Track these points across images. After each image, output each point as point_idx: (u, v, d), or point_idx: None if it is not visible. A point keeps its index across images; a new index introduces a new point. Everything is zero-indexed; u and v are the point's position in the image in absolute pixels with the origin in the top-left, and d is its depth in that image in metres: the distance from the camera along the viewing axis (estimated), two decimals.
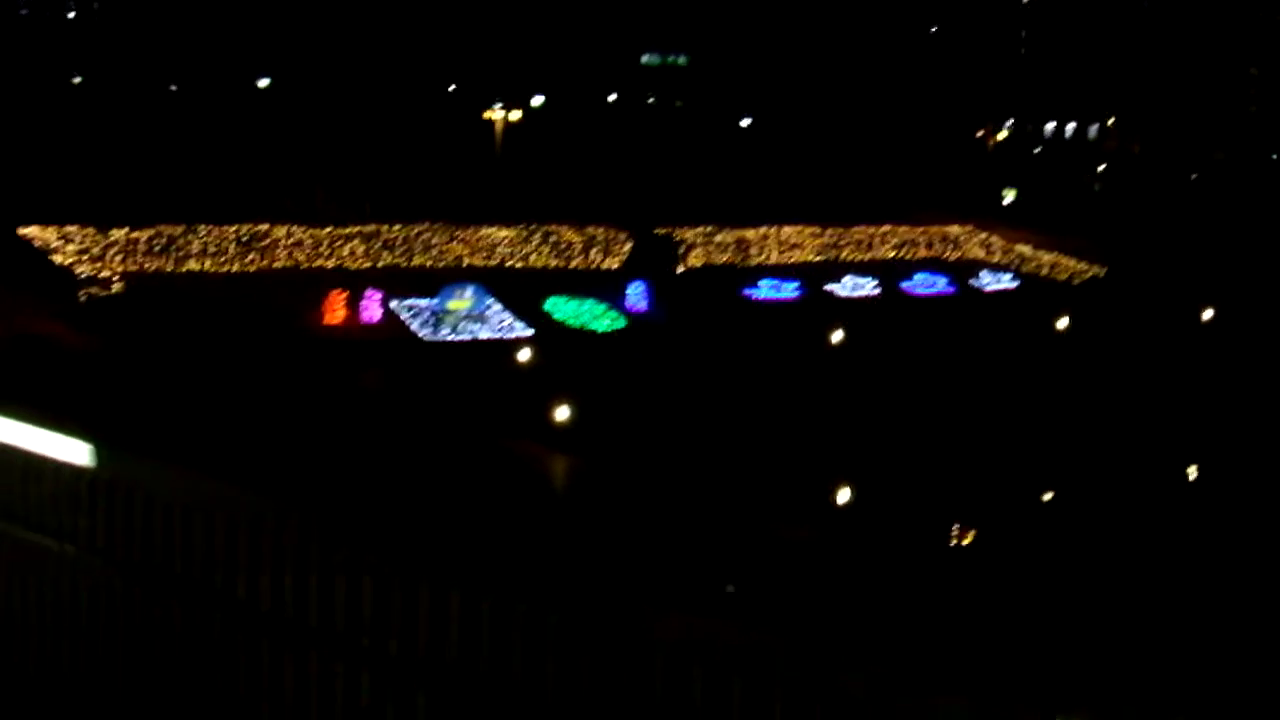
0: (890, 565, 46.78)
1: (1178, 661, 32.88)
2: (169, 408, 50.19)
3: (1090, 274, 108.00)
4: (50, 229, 76.02)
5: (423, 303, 78.82)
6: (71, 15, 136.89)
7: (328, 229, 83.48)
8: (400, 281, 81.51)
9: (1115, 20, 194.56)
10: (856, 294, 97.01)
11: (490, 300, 79.69)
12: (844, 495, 52.29)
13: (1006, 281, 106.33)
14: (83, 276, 71.06)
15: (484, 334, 77.91)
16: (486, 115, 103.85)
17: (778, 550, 46.97)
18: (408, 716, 15.35)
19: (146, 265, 77.59)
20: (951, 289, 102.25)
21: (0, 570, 11.89)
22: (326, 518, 9.83)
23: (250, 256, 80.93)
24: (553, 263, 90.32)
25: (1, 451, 11.39)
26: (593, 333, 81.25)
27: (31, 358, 58.13)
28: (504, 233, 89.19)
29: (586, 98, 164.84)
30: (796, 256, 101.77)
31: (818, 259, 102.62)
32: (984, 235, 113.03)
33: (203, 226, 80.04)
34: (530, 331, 78.44)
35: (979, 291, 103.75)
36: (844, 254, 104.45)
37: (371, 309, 76.63)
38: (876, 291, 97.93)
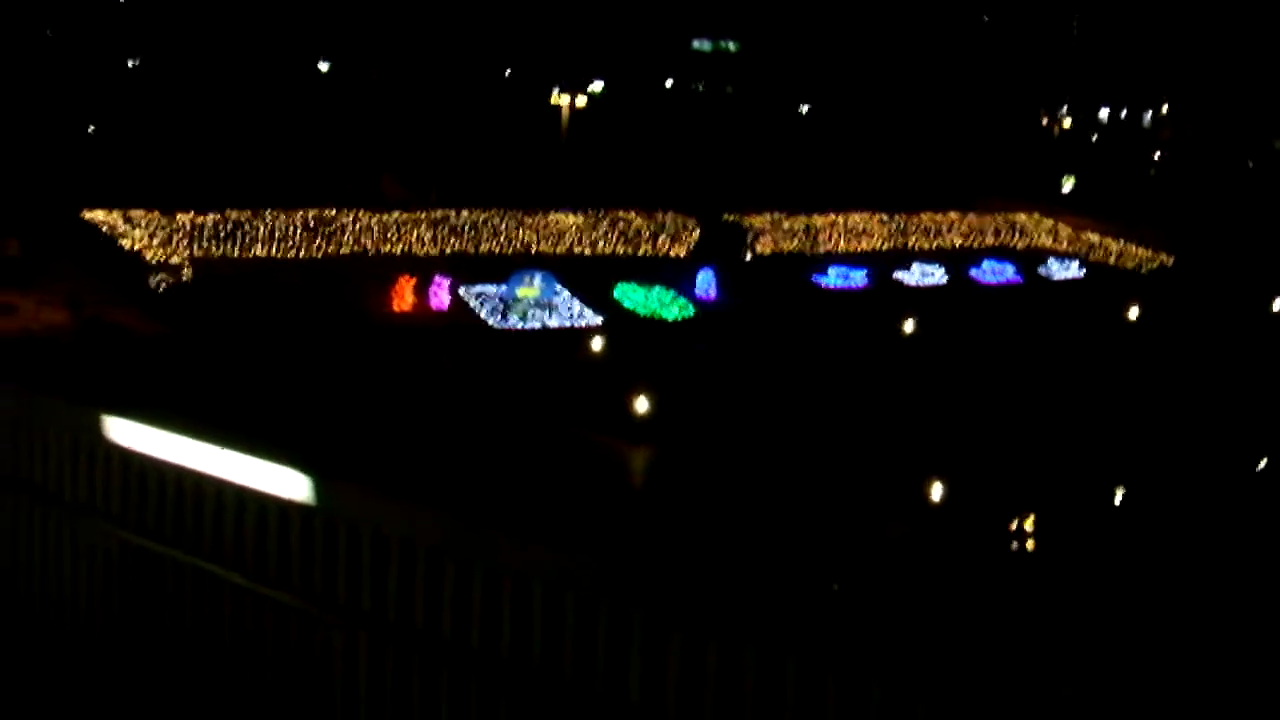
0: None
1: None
2: (265, 407, 49.53)
3: (1158, 262, 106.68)
4: (115, 213, 75.07)
5: (491, 289, 77.86)
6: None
7: (395, 214, 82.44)
8: (468, 267, 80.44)
9: (1167, 5, 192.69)
10: (925, 282, 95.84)
11: (559, 288, 78.68)
12: (937, 491, 51.06)
13: (1074, 270, 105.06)
14: (153, 262, 70.06)
15: (553, 322, 76.89)
16: (553, 100, 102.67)
17: (880, 549, 46.09)
18: None
19: (212, 250, 76.65)
20: (1019, 277, 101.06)
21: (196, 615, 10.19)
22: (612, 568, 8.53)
23: (317, 242, 79.97)
24: (621, 249, 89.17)
25: (185, 478, 10.42)
26: (663, 320, 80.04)
27: (108, 347, 57.42)
28: (572, 219, 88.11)
29: (644, 84, 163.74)
30: (864, 244, 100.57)
31: (885, 246, 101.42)
32: (1051, 223, 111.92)
33: (269, 212, 79.04)
34: (599, 319, 77.37)
35: (1047, 280, 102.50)
36: (911, 241, 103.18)
37: (440, 295, 75.67)
38: (945, 280, 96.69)
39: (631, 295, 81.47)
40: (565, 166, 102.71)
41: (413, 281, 75.14)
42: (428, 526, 10.83)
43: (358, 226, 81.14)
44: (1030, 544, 52.17)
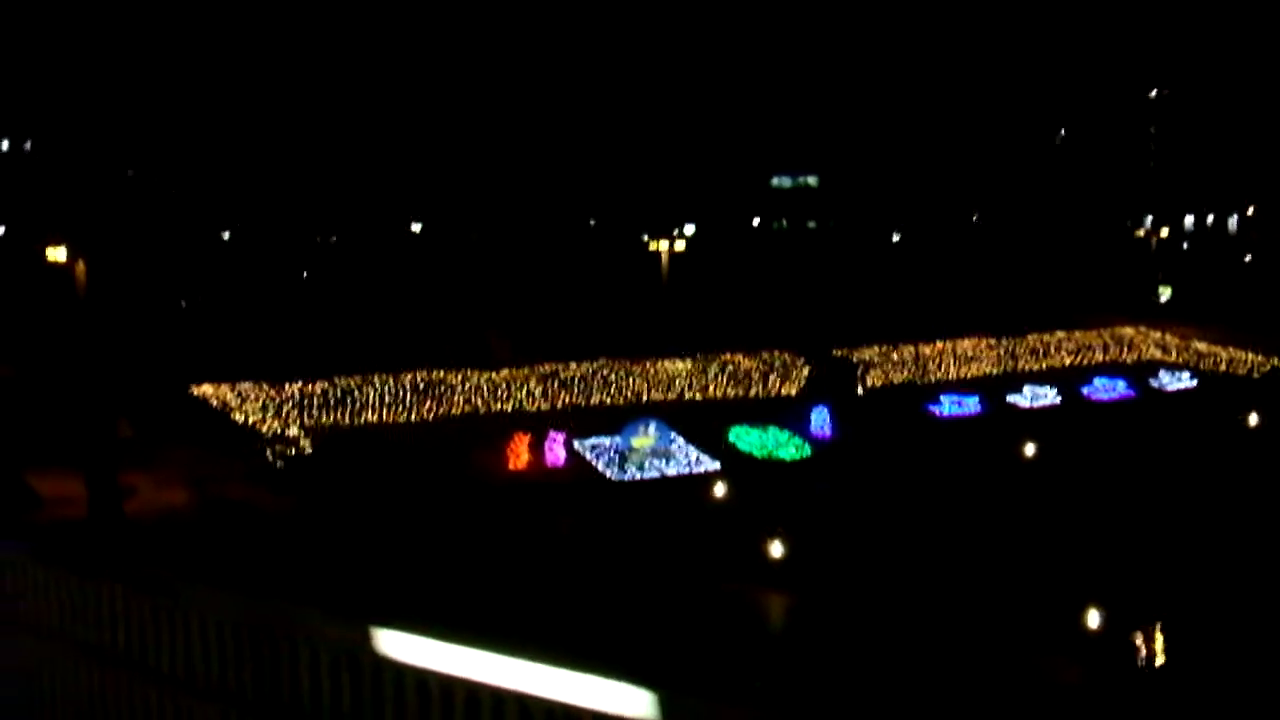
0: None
1: None
2: (415, 581, 48.69)
3: (1270, 366, 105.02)
4: (223, 387, 74.75)
5: (606, 441, 76.98)
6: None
7: (504, 372, 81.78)
8: (580, 421, 79.59)
9: (1244, 109, 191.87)
10: (1038, 404, 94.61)
11: (673, 435, 77.71)
12: (1094, 619, 49.43)
13: (1186, 380, 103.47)
14: (269, 435, 69.40)
15: (671, 470, 75.81)
16: (652, 246, 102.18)
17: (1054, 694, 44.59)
18: None
19: (323, 419, 76.05)
20: (1132, 391, 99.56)
21: None
22: None
23: (427, 404, 79.33)
24: (731, 392, 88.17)
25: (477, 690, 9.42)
26: (781, 461, 78.87)
27: (237, 527, 56.70)
28: (680, 365, 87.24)
29: (732, 224, 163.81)
30: (974, 369, 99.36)
31: (995, 370, 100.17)
32: (1158, 334, 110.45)
33: (377, 376, 78.45)
34: (717, 464, 76.23)
35: (1160, 392, 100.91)
36: (1020, 363, 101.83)
37: (556, 450, 74.77)
38: (1058, 400, 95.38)
39: (746, 438, 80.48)
40: (669, 312, 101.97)
41: (528, 438, 74.34)
42: None
43: (467, 386, 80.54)
44: (1159, 657, 50.45)
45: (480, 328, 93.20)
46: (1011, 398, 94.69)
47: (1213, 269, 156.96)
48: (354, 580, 48.10)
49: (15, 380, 74.35)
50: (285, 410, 74.90)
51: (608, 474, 74.72)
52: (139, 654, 13.23)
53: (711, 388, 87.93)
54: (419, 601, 46.44)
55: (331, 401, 76.78)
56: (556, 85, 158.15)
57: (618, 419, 79.32)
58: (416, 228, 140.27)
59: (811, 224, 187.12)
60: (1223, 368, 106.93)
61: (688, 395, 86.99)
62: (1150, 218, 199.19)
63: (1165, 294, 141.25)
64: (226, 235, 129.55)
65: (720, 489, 70.36)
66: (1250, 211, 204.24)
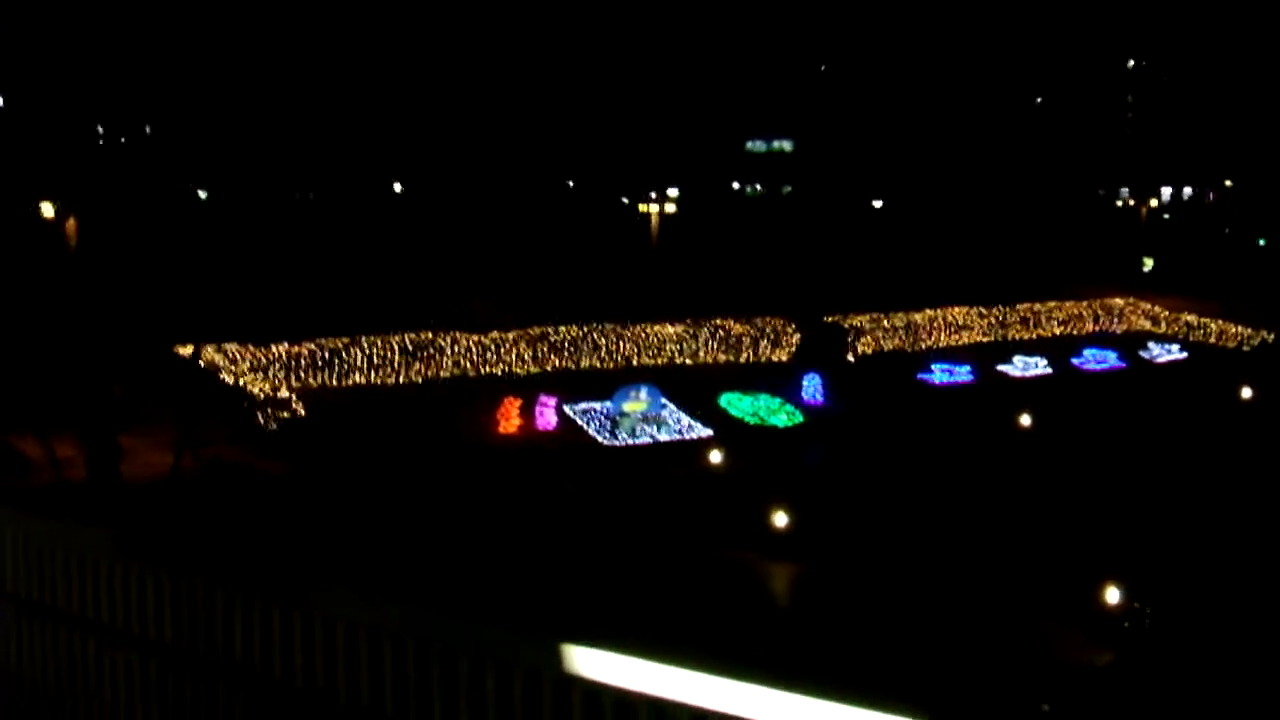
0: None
1: None
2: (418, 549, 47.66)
3: (1259, 339, 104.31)
4: (209, 347, 73.15)
5: (597, 406, 75.80)
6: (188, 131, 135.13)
7: (493, 334, 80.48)
8: (570, 384, 78.44)
9: (1222, 81, 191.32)
10: (1030, 374, 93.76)
11: (664, 400, 76.63)
12: (1113, 595, 48.41)
13: (1176, 352, 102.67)
14: (261, 398, 67.92)
15: (663, 435, 74.79)
16: (642, 209, 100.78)
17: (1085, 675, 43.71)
18: None
19: (310, 381, 74.64)
20: (1122, 363, 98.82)
21: None
22: None
23: (416, 366, 77.95)
24: (722, 357, 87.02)
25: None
26: (773, 428, 77.85)
27: (237, 491, 55.44)
28: (671, 329, 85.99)
29: (711, 188, 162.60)
30: (964, 338, 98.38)
31: (985, 339, 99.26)
32: (1148, 306, 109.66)
33: (365, 338, 77.07)
34: (709, 431, 75.15)
35: (1150, 363, 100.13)
36: (1010, 332, 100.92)
37: (547, 415, 73.68)
38: (1049, 370, 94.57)
39: (737, 404, 79.49)
40: (658, 275, 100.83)
41: (518, 402, 73.23)
42: None
43: (456, 349, 79.13)
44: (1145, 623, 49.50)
45: (465, 289, 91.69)
46: (1002, 367, 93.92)
47: (1193, 241, 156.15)
48: (380, 555, 47.03)
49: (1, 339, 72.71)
50: (273, 372, 73.48)
51: (599, 439, 73.64)
52: (261, 668, 11.41)
53: (702, 353, 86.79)
54: (446, 579, 45.49)
55: (319, 363, 75.46)
56: (534, 46, 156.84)
57: (608, 383, 78.17)
58: (398, 188, 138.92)
59: (787, 189, 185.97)
60: (1212, 340, 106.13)
61: (678, 360, 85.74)
62: (1127, 189, 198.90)
63: (1148, 265, 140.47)
64: (203, 194, 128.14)
65: (716, 456, 69.23)
66: (1228, 184, 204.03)
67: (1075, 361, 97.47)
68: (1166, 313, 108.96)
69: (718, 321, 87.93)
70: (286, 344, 75.18)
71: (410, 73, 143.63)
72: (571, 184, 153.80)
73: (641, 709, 9.21)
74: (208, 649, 11.58)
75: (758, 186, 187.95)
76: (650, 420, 75.25)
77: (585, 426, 74.58)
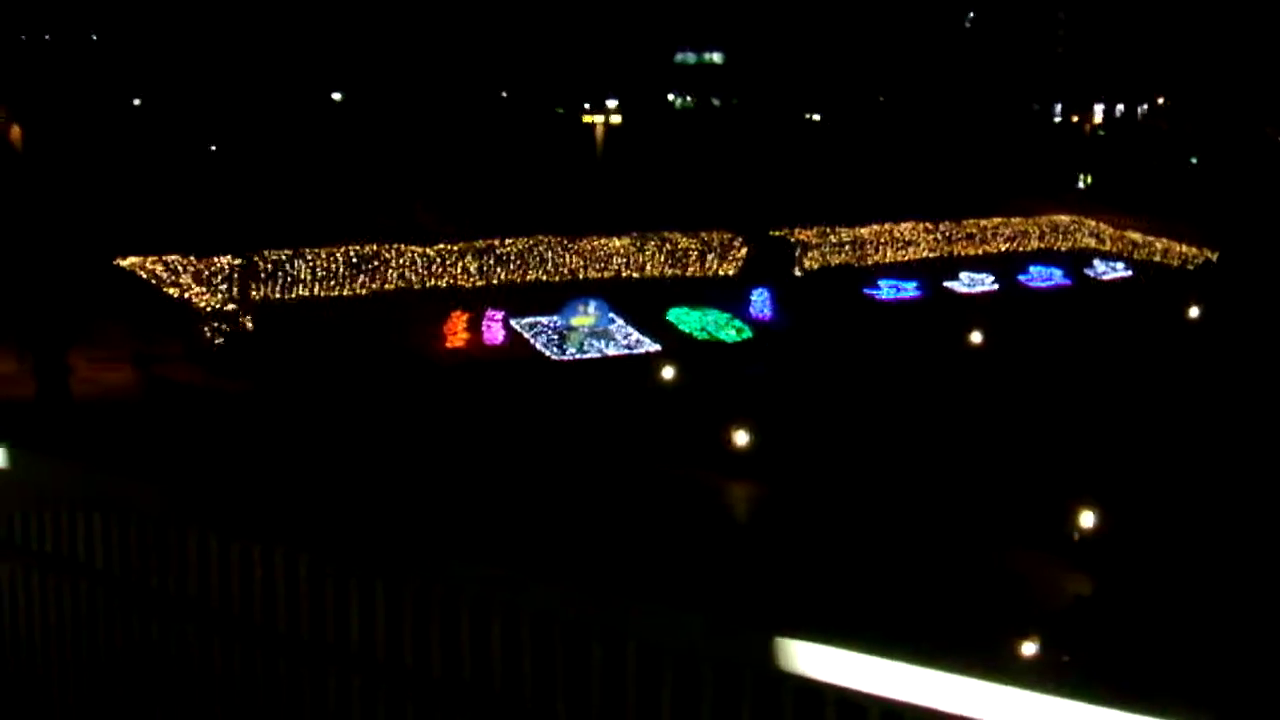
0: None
1: None
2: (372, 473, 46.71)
3: (1202, 259, 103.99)
4: (151, 259, 71.45)
5: (545, 320, 74.78)
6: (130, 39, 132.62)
7: (439, 246, 79.16)
8: (517, 298, 77.31)
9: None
10: (976, 290, 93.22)
11: (613, 315, 75.66)
12: (1088, 519, 47.85)
13: (1121, 270, 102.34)
14: (206, 311, 66.34)
15: (611, 350, 73.94)
16: (586, 120, 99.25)
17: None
18: None
19: (253, 293, 73.11)
20: (1068, 280, 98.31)
21: None
22: None
23: (360, 279, 76.52)
24: (669, 271, 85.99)
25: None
26: (721, 343, 77.02)
27: (184, 410, 54.19)
28: (618, 242, 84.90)
29: (644, 99, 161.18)
30: (911, 253, 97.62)
31: (931, 255, 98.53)
32: (1093, 223, 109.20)
33: (309, 250, 75.61)
34: (657, 346, 74.28)
35: (1097, 281, 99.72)
36: (956, 249, 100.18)
37: (494, 330, 72.64)
38: (995, 287, 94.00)
39: (686, 319, 78.57)
40: (604, 188, 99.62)
41: (466, 316, 72.13)
42: None
43: (401, 261, 77.75)
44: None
45: (407, 200, 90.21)
46: (949, 283, 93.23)
47: (1128, 158, 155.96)
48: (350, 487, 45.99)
49: None
50: (215, 284, 71.93)
51: (547, 354, 72.70)
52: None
53: (649, 267, 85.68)
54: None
55: (262, 275, 73.91)
56: None
57: (554, 297, 77.12)
58: (337, 96, 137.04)
59: (716, 101, 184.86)
60: (1157, 258, 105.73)
61: (625, 274, 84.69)
62: (1060, 105, 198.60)
63: (1085, 181, 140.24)
64: (137, 102, 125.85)
65: (668, 371, 68.33)
66: (1160, 101, 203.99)
67: (1022, 279, 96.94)
68: (1111, 230, 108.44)
69: (664, 235, 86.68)
70: (230, 256, 73.53)
71: None
72: (505, 94, 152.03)
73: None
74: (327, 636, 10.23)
75: (688, 98, 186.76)
76: (599, 335, 74.40)
77: (533, 341, 73.63)
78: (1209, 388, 69.95)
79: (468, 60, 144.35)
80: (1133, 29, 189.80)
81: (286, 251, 75.19)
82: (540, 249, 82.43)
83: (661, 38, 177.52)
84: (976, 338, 79.57)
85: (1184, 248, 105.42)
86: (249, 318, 67.11)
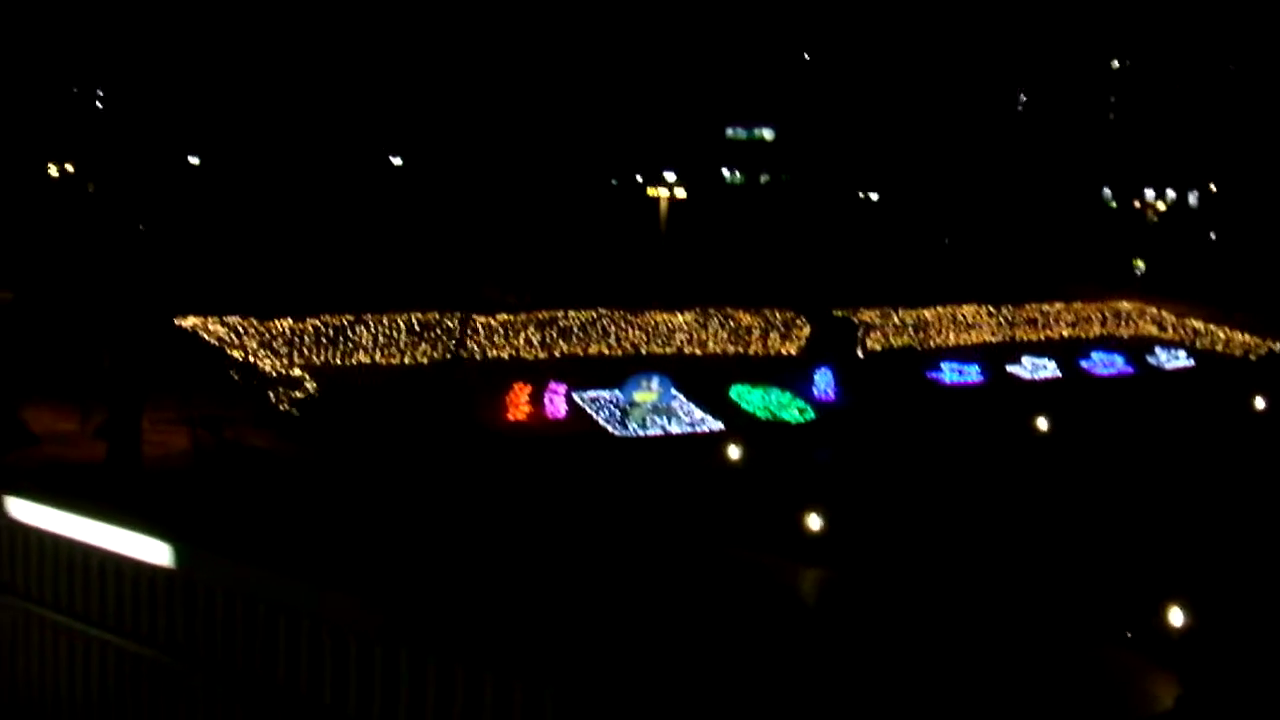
0: None
1: None
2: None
3: (1265, 349, 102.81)
4: (211, 319, 70.69)
5: (607, 395, 73.89)
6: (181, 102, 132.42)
7: (502, 316, 78.35)
8: (578, 371, 76.48)
9: (1207, 85, 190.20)
10: (1038, 376, 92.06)
11: (675, 391, 74.72)
12: (1177, 616, 46.51)
13: (1183, 359, 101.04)
14: (273, 375, 65.55)
15: (674, 428, 72.96)
16: (651, 193, 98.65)
17: None
18: None
19: (314, 358, 72.31)
20: (1130, 368, 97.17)
21: None
22: None
23: (422, 346, 75.67)
24: (731, 348, 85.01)
25: None
26: (784, 423, 76.00)
27: (252, 475, 53.27)
28: (680, 318, 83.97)
29: (704, 174, 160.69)
30: (973, 337, 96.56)
31: (993, 339, 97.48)
32: (1154, 310, 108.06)
33: (369, 315, 74.78)
34: (720, 425, 73.30)
35: (1159, 370, 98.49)
36: (1018, 333, 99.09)
37: (557, 403, 71.75)
38: (1058, 373, 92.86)
39: (748, 398, 77.62)
40: (667, 262, 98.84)
41: (528, 389, 71.26)
42: None
43: (466, 330, 76.92)
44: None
45: (469, 268, 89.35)
46: (1011, 368, 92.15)
47: (1182, 244, 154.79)
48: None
49: (13, 306, 70.28)
50: (277, 347, 71.18)
51: (609, 429, 71.82)
52: None
53: (711, 343, 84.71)
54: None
55: (324, 341, 73.10)
56: (524, 28, 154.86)
57: (615, 371, 76.28)
58: (397, 161, 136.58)
59: (766, 177, 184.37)
60: (1219, 348, 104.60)
61: (687, 350, 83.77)
62: (1109, 189, 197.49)
63: (1139, 267, 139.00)
64: (195, 160, 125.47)
65: (735, 452, 67.27)
66: (1211, 188, 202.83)
67: (1084, 365, 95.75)
68: (1174, 318, 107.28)
69: (727, 311, 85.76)
70: (290, 319, 72.73)
71: (408, 54, 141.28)
72: (560, 165, 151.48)
73: None
74: None
75: (738, 174, 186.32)
76: (661, 411, 73.43)
77: (595, 415, 72.70)
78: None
79: (525, 129, 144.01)
80: (1185, 114, 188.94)
81: (348, 317, 74.31)
82: (603, 322, 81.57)
83: (714, 112, 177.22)
84: (1042, 424, 78.23)
85: (1246, 337, 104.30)
86: (314, 383, 66.29)
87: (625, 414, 72.69)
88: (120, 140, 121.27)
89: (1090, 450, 73.73)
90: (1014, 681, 43.33)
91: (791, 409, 77.48)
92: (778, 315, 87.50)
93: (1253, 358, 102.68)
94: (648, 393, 73.84)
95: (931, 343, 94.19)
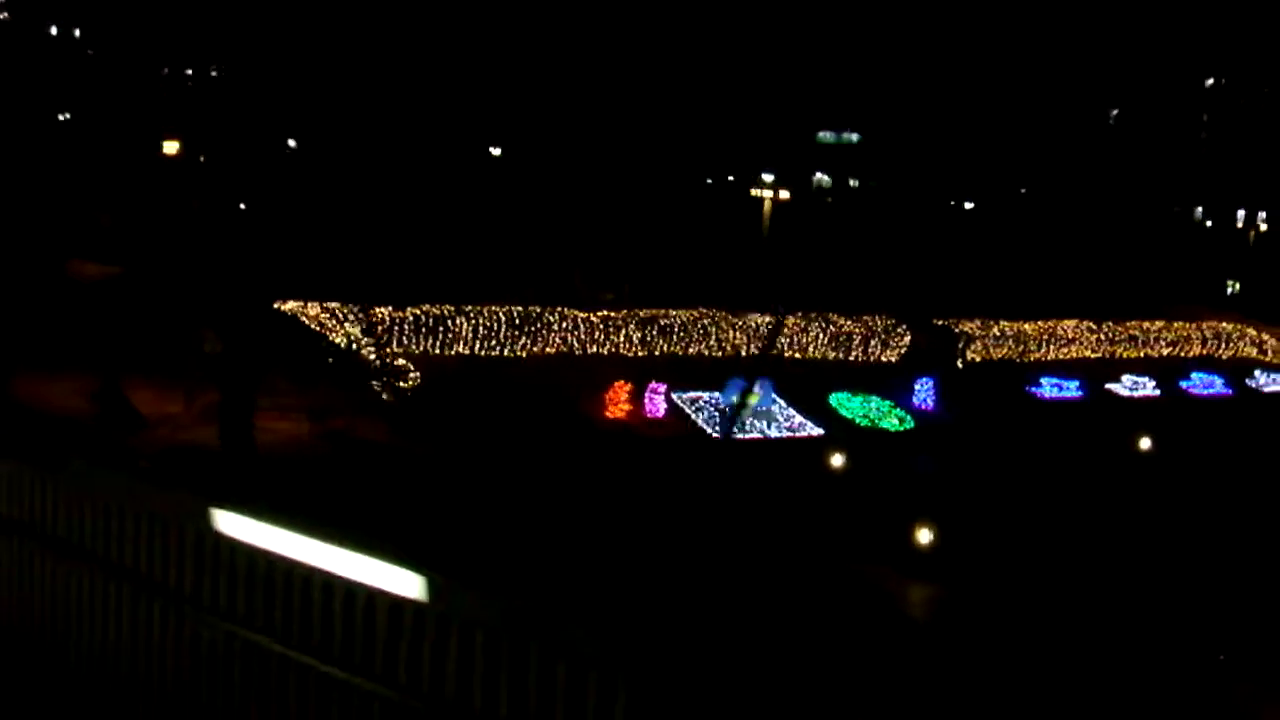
0: None
1: None
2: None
3: None
4: (312, 304, 70.01)
5: (707, 396, 73.04)
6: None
7: (603, 312, 77.52)
8: (676, 371, 75.63)
9: None
10: (1138, 394, 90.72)
11: (775, 395, 73.87)
12: None
13: None
14: (377, 364, 64.95)
15: (773, 432, 72.07)
16: (754, 193, 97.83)
17: None
18: None
19: (412, 348, 71.57)
20: (1229, 390, 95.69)
21: None
22: None
23: (521, 340, 74.81)
24: (831, 354, 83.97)
25: None
26: (884, 432, 75.10)
27: (369, 467, 52.62)
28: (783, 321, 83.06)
29: (795, 176, 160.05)
30: (1072, 352, 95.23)
31: (1093, 355, 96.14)
32: (1253, 332, 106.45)
33: (470, 307, 74.02)
34: (820, 430, 72.42)
35: (1258, 392, 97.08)
36: (1119, 350, 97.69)
37: (657, 403, 70.97)
38: (1157, 392, 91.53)
39: (848, 405, 76.74)
40: (768, 263, 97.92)
41: (628, 387, 70.51)
42: None
43: (563, 324, 76.06)
44: None
45: (564, 262, 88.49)
46: (1110, 385, 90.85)
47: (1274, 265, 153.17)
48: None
49: (122, 280, 69.88)
50: (377, 335, 70.55)
51: (708, 430, 71.06)
52: None
53: (811, 348, 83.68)
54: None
55: (423, 330, 72.39)
56: (623, 26, 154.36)
57: (714, 373, 75.43)
58: (496, 151, 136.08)
59: (854, 182, 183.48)
60: None
61: (787, 354, 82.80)
62: (1201, 209, 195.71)
63: (1233, 287, 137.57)
64: (292, 143, 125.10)
65: (838, 459, 66.39)
66: None
67: (1183, 385, 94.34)
68: (1274, 342, 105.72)
69: (828, 317, 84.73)
70: (390, 307, 72.07)
71: (513, 45, 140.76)
72: (656, 162, 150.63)
73: None
74: None
75: (825, 177, 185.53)
76: (761, 415, 72.59)
77: (694, 416, 71.87)
78: None
79: (622, 125, 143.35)
80: (1275, 131, 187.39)
81: (448, 308, 73.61)
82: (704, 322, 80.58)
83: (806, 115, 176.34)
84: (1145, 443, 77.17)
85: None
86: (418, 373, 65.66)
87: (725, 416, 71.87)
88: (228, 119, 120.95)
89: (1191, 470, 72.65)
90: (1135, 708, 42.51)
91: (891, 417, 76.67)
92: (879, 322, 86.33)
93: None
94: (750, 395, 73.02)
95: (1030, 356, 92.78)
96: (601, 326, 77.82)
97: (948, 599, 52.85)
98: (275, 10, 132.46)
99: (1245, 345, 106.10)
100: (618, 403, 70.36)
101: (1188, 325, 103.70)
